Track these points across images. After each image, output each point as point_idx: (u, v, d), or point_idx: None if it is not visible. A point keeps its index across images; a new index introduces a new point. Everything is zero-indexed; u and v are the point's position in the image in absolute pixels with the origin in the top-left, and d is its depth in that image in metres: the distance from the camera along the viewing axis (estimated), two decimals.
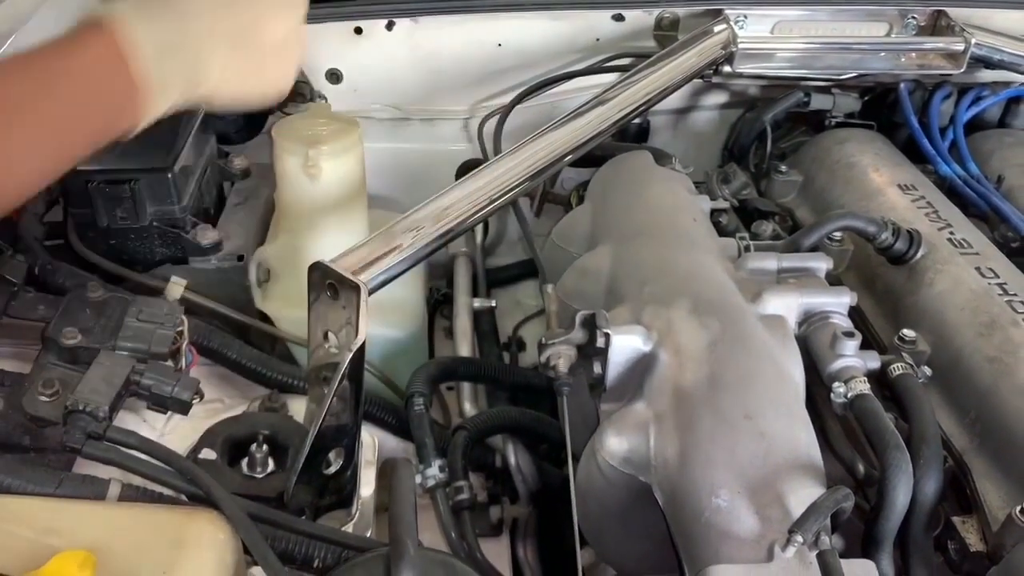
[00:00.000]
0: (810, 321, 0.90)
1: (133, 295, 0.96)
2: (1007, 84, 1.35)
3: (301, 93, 1.28)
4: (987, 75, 1.36)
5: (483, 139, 1.36)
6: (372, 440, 1.00)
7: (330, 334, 0.87)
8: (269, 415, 0.97)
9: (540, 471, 1.12)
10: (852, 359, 0.85)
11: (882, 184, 1.16)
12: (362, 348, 0.82)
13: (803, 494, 0.71)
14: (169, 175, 1.02)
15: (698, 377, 0.80)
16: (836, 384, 0.83)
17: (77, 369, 0.85)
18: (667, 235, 1.00)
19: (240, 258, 1.09)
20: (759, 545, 0.69)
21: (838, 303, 0.90)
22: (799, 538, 0.66)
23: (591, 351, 0.88)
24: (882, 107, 1.35)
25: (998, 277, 0.96)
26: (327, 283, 0.85)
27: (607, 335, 0.84)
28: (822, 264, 0.95)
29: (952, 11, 1.33)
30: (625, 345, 0.84)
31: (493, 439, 1.12)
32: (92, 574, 0.62)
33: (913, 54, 1.30)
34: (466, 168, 1.30)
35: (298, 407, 0.98)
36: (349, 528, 0.90)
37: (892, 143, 1.30)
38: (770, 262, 0.95)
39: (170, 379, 0.85)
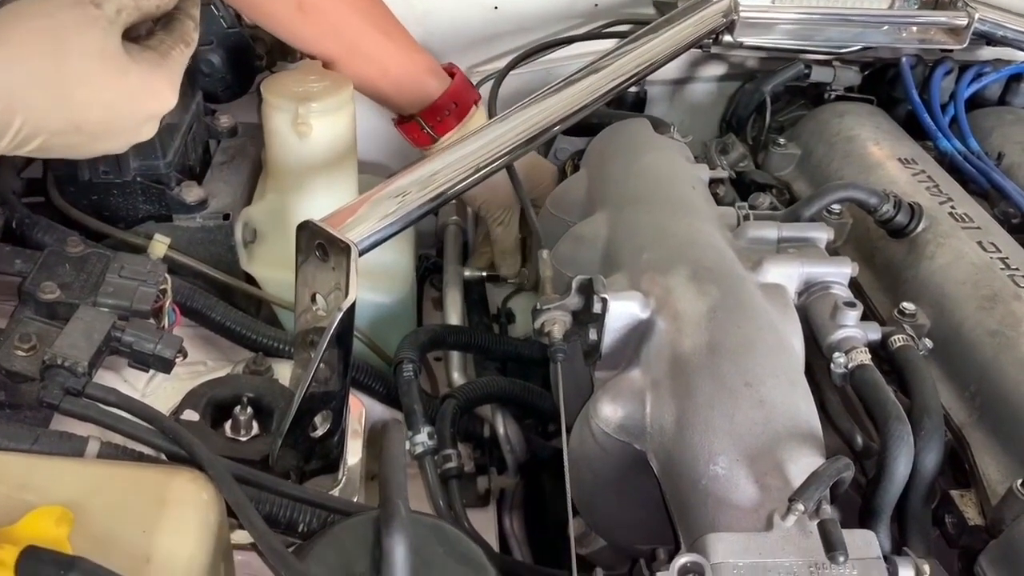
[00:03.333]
0: (810, 291, 0.88)
1: (115, 251, 0.93)
2: (1008, 62, 1.34)
3: (291, 51, 1.24)
4: (988, 52, 1.34)
5: None
6: (360, 406, 0.98)
7: (318, 297, 0.84)
8: (254, 378, 0.95)
9: (528, 442, 1.11)
10: (853, 330, 0.83)
11: (882, 158, 1.14)
12: (352, 309, 0.79)
13: (803, 463, 0.70)
14: None
15: (697, 344, 0.78)
16: (836, 354, 0.82)
17: (55, 324, 0.83)
18: (665, 202, 0.98)
19: (226, 216, 1.06)
20: (757, 514, 0.68)
21: (839, 273, 0.88)
22: (800, 507, 0.64)
23: (587, 317, 0.86)
24: (882, 82, 1.33)
25: (1000, 251, 0.94)
26: (316, 243, 0.82)
27: (604, 300, 0.82)
28: (823, 234, 0.93)
29: None
30: (622, 311, 0.82)
31: (481, 409, 1.10)
32: (69, 530, 0.60)
33: (915, 28, 1.28)
34: None
35: (284, 372, 0.96)
36: (335, 493, 0.88)
37: (892, 119, 1.28)
38: (770, 231, 0.93)
39: (152, 336, 0.82)
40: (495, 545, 1.04)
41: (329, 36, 1.09)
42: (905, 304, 0.91)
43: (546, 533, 1.15)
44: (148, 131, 0.79)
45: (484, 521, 1.06)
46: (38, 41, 0.70)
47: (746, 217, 0.97)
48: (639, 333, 0.83)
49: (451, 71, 1.18)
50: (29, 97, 0.70)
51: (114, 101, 0.75)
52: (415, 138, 1.16)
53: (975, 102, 1.32)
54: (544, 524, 1.14)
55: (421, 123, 1.14)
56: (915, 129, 1.25)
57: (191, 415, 0.86)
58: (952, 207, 1.02)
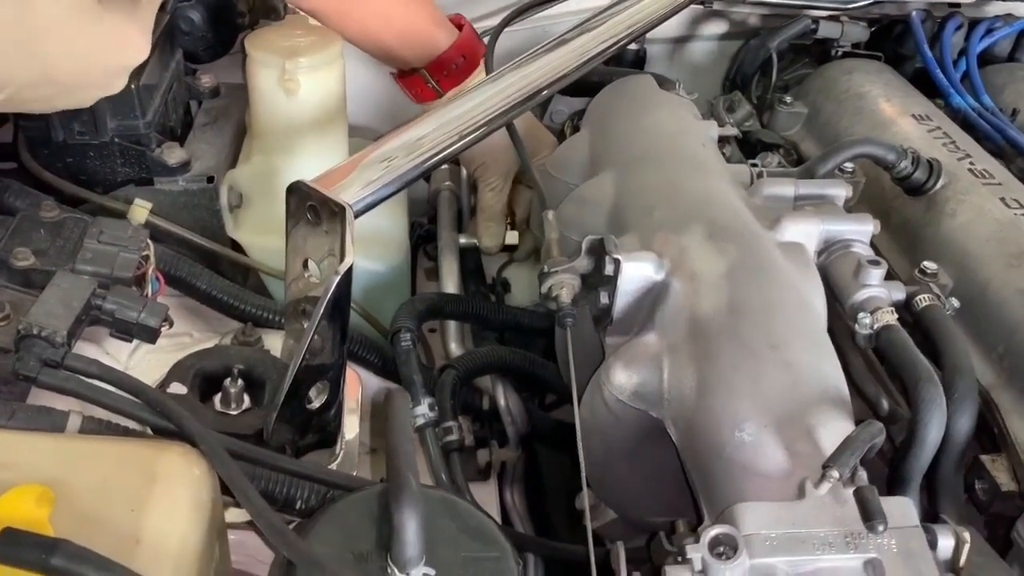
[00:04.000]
0: (831, 250, 0.84)
1: (93, 216, 0.87)
2: (1018, 18, 1.30)
3: (275, 9, 1.18)
4: (997, 7, 1.30)
5: None
6: (358, 377, 0.93)
7: (310, 263, 0.79)
8: (244, 349, 0.89)
9: (530, 414, 1.07)
10: (877, 289, 0.79)
11: (894, 114, 1.10)
12: (349, 273, 0.74)
13: (834, 428, 0.66)
14: (132, 86, 0.93)
15: (717, 305, 0.74)
16: (861, 315, 0.78)
17: (31, 293, 0.77)
18: (675, 160, 0.93)
19: (210, 179, 1.00)
20: (788, 482, 0.64)
21: (861, 231, 0.84)
22: (835, 473, 0.60)
23: (597, 280, 0.81)
24: (888, 39, 1.29)
25: (1023, 208, 0.91)
26: (307, 205, 0.77)
27: (617, 261, 0.78)
28: (841, 191, 0.89)
29: None
30: (636, 273, 0.78)
31: (480, 381, 1.06)
32: (50, 511, 0.54)
33: None
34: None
35: (274, 343, 0.91)
36: (333, 468, 0.84)
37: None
38: (787, 188, 0.89)
39: (136, 304, 0.77)
40: (497, 519, 1.01)
41: None
42: (927, 263, 0.88)
43: (548, 507, 1.11)
44: (119, 83, 0.74)
45: (485, 495, 1.03)
46: None
47: (759, 175, 0.93)
48: (653, 295, 0.79)
49: (459, 22, 1.12)
50: None
51: (86, 51, 0.70)
52: (418, 93, 1.11)
53: (984, 59, 1.28)
54: (546, 497, 1.11)
55: (426, 77, 1.08)
56: (925, 87, 1.21)
57: (178, 388, 0.81)
58: (971, 163, 0.98)
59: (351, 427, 0.89)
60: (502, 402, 1.05)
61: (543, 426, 1.09)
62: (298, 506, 0.72)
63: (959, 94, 1.16)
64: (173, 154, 0.98)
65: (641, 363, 0.76)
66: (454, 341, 1.15)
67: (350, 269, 0.74)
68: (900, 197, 0.99)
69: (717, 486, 0.67)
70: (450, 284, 1.20)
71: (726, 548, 0.59)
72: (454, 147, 0.89)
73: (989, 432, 0.79)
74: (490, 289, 1.28)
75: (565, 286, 0.82)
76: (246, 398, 0.82)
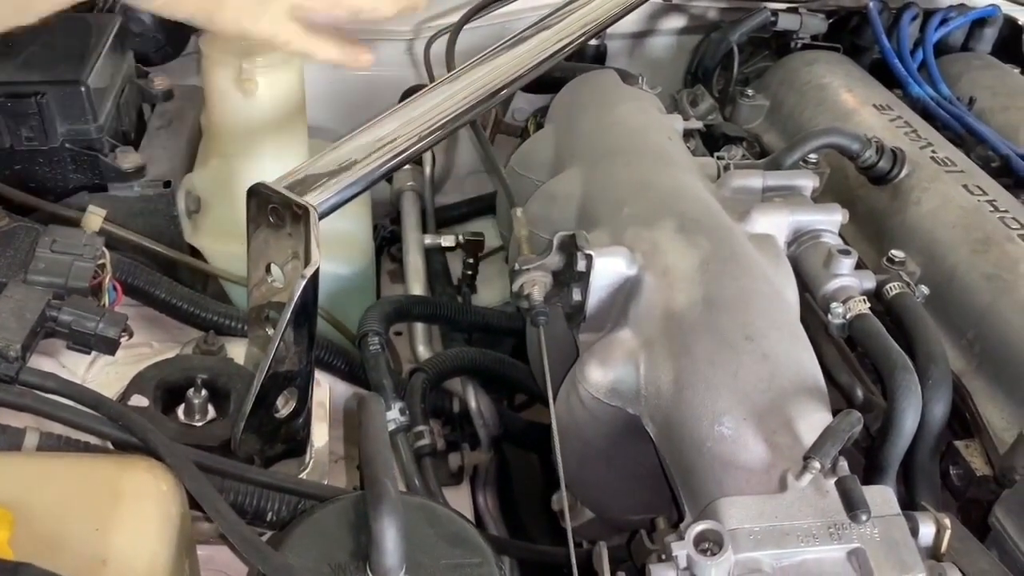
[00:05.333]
0: (800, 240, 0.84)
1: (45, 225, 0.84)
2: (970, 8, 1.32)
3: None
4: None
5: (430, 62, 1.26)
6: (325, 384, 0.91)
7: (273, 267, 0.77)
8: (207, 358, 0.87)
9: (501, 415, 1.06)
10: (848, 278, 0.80)
11: (856, 104, 1.11)
12: (315, 276, 0.72)
13: (812, 419, 0.66)
14: (82, 88, 0.90)
15: (692, 299, 0.73)
16: (834, 304, 0.78)
17: None
18: (643, 154, 0.93)
19: (167, 184, 0.97)
20: (769, 475, 0.63)
21: (830, 221, 0.84)
22: (816, 464, 0.60)
23: (569, 276, 0.80)
24: (846, 30, 1.30)
25: (986, 194, 0.92)
26: (270, 208, 0.75)
27: (589, 257, 0.77)
28: (808, 182, 0.89)
29: None
30: (608, 268, 0.77)
31: (450, 383, 1.05)
32: (10, 533, 0.52)
33: None
34: (411, 94, 1.20)
35: (237, 351, 0.89)
36: (303, 478, 0.81)
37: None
38: (755, 180, 0.88)
39: (93, 314, 0.74)
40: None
41: None
42: (894, 252, 0.88)
43: (521, 509, 1.10)
44: None
45: (458, 499, 1.01)
46: None
47: (726, 167, 0.93)
48: (626, 291, 0.78)
49: None
50: None
51: None
52: None
53: (939, 49, 1.29)
54: (519, 499, 1.10)
55: None
56: (883, 77, 1.22)
57: (140, 400, 0.78)
58: (933, 151, 0.99)
59: (320, 435, 0.87)
60: (473, 404, 1.04)
61: (514, 427, 1.08)
62: (269, 518, 0.70)
63: (917, 84, 1.17)
64: (127, 159, 0.95)
65: (616, 359, 0.75)
66: (422, 344, 1.13)
67: (316, 272, 0.72)
68: (865, 187, 0.99)
69: (698, 481, 0.66)
70: (417, 286, 1.18)
71: (711, 544, 0.58)
72: (418, 146, 0.88)
73: (961, 418, 0.80)
74: (456, 290, 1.27)
75: (536, 284, 0.81)
76: (210, 408, 0.80)
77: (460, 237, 1.22)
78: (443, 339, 1.16)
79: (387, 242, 1.32)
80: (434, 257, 1.24)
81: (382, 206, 1.35)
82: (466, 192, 1.46)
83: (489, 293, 1.28)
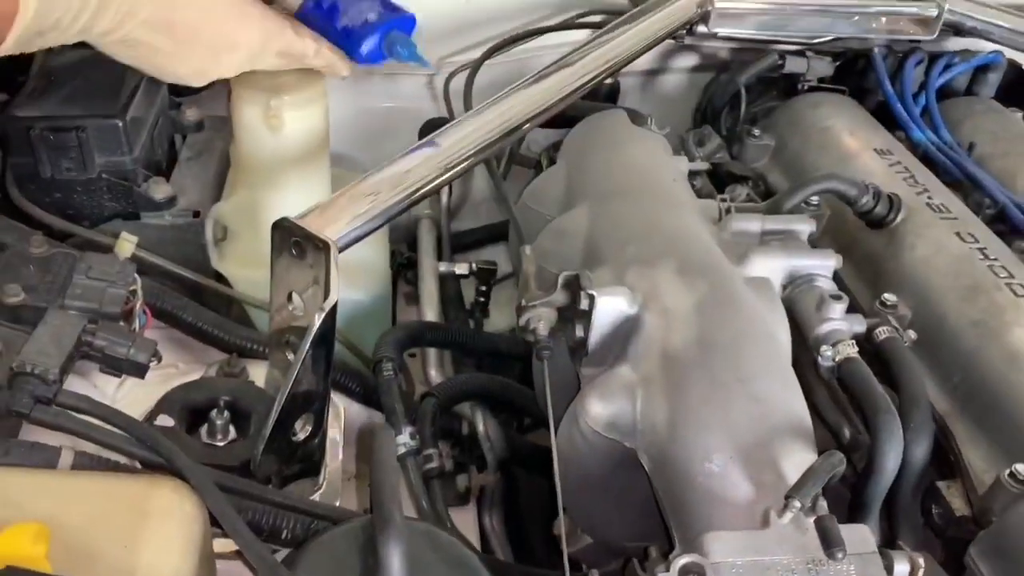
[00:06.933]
0: (795, 284, 0.88)
1: (81, 251, 0.89)
2: (975, 53, 1.35)
3: None
4: (955, 43, 1.35)
5: (449, 97, 1.31)
6: (340, 407, 0.96)
7: (294, 295, 0.82)
8: (229, 380, 0.92)
9: (508, 439, 1.10)
10: (839, 322, 0.83)
11: (857, 148, 1.14)
12: (334, 309, 0.77)
13: (797, 459, 0.70)
14: (120, 123, 0.95)
15: (687, 339, 0.77)
16: (824, 348, 0.82)
17: (21, 329, 0.79)
18: (648, 195, 0.97)
19: (196, 214, 1.02)
20: (753, 511, 0.67)
21: (824, 266, 0.88)
22: (797, 503, 0.64)
23: (573, 313, 0.85)
24: (853, 72, 1.34)
25: (978, 242, 0.95)
26: (292, 241, 0.80)
27: (592, 296, 0.81)
28: (805, 227, 0.93)
29: None
30: (610, 307, 0.81)
31: (460, 406, 1.09)
32: (47, 548, 0.57)
33: (885, 19, 1.29)
34: (430, 127, 1.25)
35: (258, 372, 0.94)
36: (316, 498, 0.86)
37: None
38: (754, 224, 0.92)
39: (125, 340, 0.79)
40: (476, 543, 1.03)
41: None
42: (887, 295, 0.92)
43: (526, 531, 1.14)
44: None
45: (464, 519, 1.05)
46: None
47: (728, 210, 0.97)
48: (627, 329, 0.82)
49: None
50: None
51: None
52: None
53: (944, 92, 1.33)
54: (524, 522, 1.13)
55: None
56: (887, 119, 1.26)
57: (166, 420, 0.83)
58: (929, 197, 1.02)
59: (333, 455, 0.92)
60: (480, 428, 1.08)
61: (522, 450, 1.12)
62: (284, 536, 0.75)
63: (919, 128, 1.20)
64: (159, 189, 1.00)
65: (615, 395, 0.78)
66: (434, 367, 1.18)
67: (335, 306, 0.77)
68: (863, 230, 1.03)
69: (687, 514, 0.70)
70: (430, 312, 1.23)
71: None
72: (437, 182, 0.93)
73: (946, 458, 0.83)
74: (469, 314, 1.31)
75: (542, 319, 0.86)
76: (232, 429, 0.85)
77: (473, 265, 1.26)
78: (454, 363, 1.20)
79: (404, 268, 1.37)
80: (448, 284, 1.29)
81: (399, 231, 1.40)
82: (481, 218, 1.50)
83: (501, 317, 1.32)
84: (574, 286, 0.84)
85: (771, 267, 0.87)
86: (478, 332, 1.22)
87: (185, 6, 0.81)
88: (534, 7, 1.32)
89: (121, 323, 0.85)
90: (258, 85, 0.99)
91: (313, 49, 0.93)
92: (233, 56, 0.88)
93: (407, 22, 0.99)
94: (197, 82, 0.88)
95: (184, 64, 0.85)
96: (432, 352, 1.18)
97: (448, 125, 0.98)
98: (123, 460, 0.72)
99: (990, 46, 1.34)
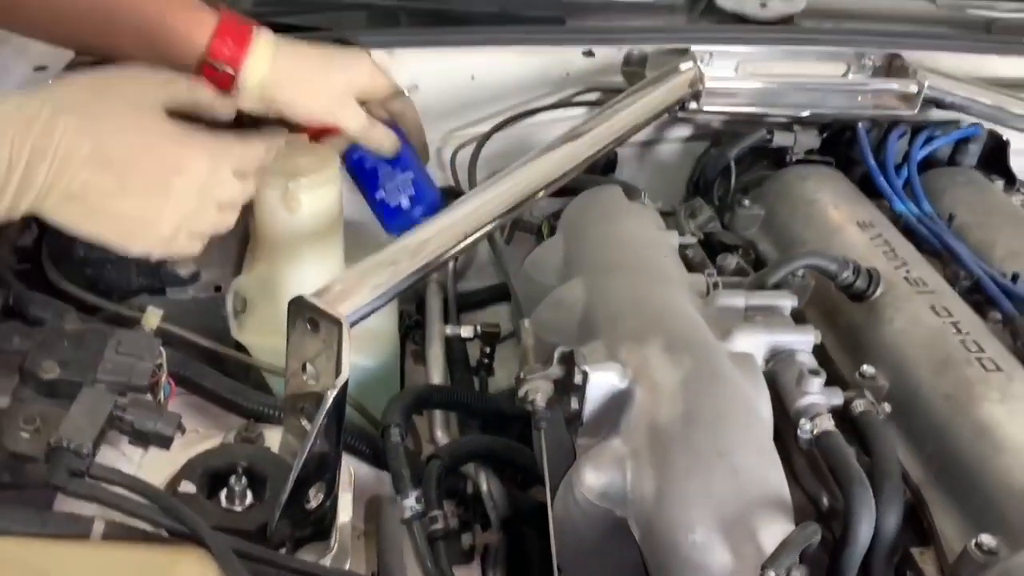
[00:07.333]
0: (777, 358, 0.94)
1: (111, 326, 0.96)
2: (957, 123, 1.42)
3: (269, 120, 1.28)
4: (938, 114, 1.42)
5: (455, 168, 1.38)
6: (351, 470, 1.01)
7: (308, 366, 0.88)
8: (247, 446, 0.98)
9: (511, 497, 1.15)
10: (817, 396, 0.89)
11: (841, 221, 1.21)
12: (344, 386, 0.83)
13: (774, 530, 0.75)
14: None
15: (673, 414, 0.83)
16: (803, 421, 0.87)
17: (56, 403, 0.85)
18: (640, 270, 1.03)
19: (218, 288, 1.09)
20: None
21: (804, 341, 0.94)
22: (772, 574, 0.69)
23: (568, 386, 0.90)
24: (839, 143, 1.41)
25: (951, 316, 1.01)
26: (307, 317, 0.86)
27: (585, 372, 0.87)
28: (787, 302, 0.99)
29: (906, 54, 1.39)
30: (602, 382, 0.87)
31: (464, 466, 1.14)
32: None
33: (869, 95, 1.36)
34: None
35: (273, 437, 0.99)
36: (328, 561, 0.91)
37: (849, 179, 1.35)
38: (738, 300, 0.99)
39: (152, 414, 0.85)
40: None
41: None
42: (866, 367, 0.97)
43: None
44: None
45: None
46: None
47: (715, 285, 1.03)
48: (619, 402, 0.88)
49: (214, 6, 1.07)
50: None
51: None
52: (218, 83, 1.03)
53: (928, 162, 1.39)
54: None
55: (212, 64, 1.02)
56: (871, 188, 1.32)
57: (188, 486, 0.89)
58: (907, 271, 1.08)
59: (344, 514, 0.97)
60: (484, 487, 1.13)
61: (524, 509, 1.17)
62: None
63: (901, 200, 1.26)
64: (185, 266, 1.07)
65: (608, 466, 0.84)
66: (440, 428, 1.23)
67: (346, 382, 0.83)
68: (846, 301, 1.09)
69: None
70: (437, 374, 1.28)
71: None
72: (444, 256, 1.00)
73: (920, 526, 0.88)
74: (474, 373, 1.37)
75: (540, 391, 0.91)
76: (249, 494, 0.91)
77: (478, 328, 1.32)
78: (460, 423, 1.26)
79: (411, 330, 1.43)
80: (454, 345, 1.35)
81: (408, 292, 1.46)
82: (487, 278, 1.57)
83: (505, 375, 1.38)
84: (568, 361, 0.89)
85: (754, 342, 0.93)
86: (482, 394, 1.27)
87: (120, 141, 0.80)
88: (534, 85, 1.40)
89: (147, 395, 0.91)
90: (276, 168, 1.07)
91: (264, 150, 0.93)
92: (184, 181, 0.85)
93: (434, 206, 1.10)
94: (152, 230, 0.86)
95: (133, 200, 0.83)
96: (438, 413, 1.24)
97: (464, 196, 1.05)
98: (150, 528, 0.78)
99: (971, 117, 1.41)
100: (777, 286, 1.05)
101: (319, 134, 1.15)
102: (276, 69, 1.05)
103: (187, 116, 0.87)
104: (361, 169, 1.21)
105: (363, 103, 1.13)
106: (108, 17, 1.00)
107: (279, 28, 1.31)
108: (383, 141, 1.15)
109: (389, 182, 1.18)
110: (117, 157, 0.80)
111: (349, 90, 1.11)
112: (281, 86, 1.05)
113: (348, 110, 1.11)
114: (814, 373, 0.89)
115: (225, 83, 1.05)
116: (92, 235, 0.84)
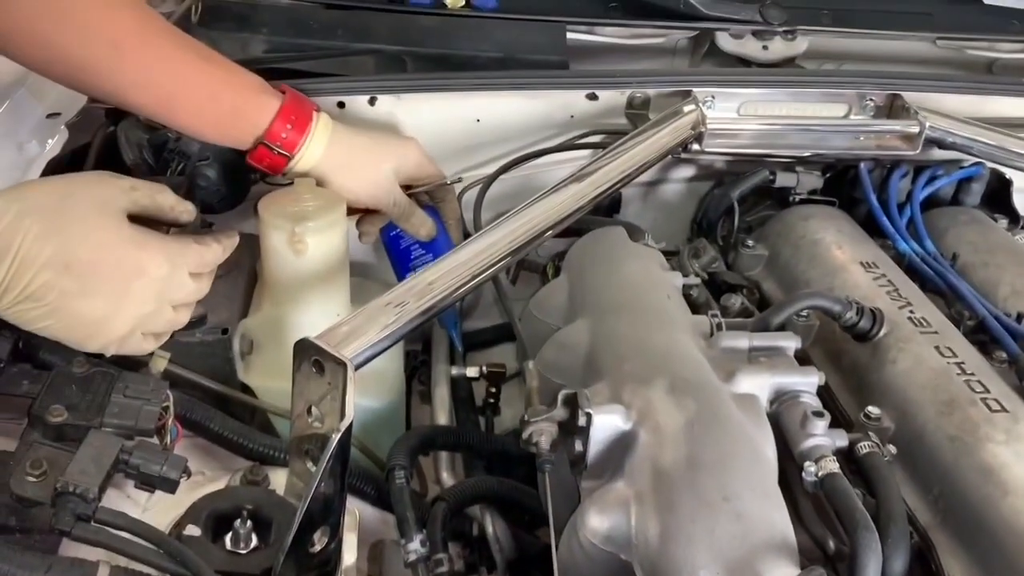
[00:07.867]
0: (781, 400, 0.94)
1: (118, 369, 0.96)
2: (959, 162, 1.43)
3: None
4: (940, 153, 1.43)
5: (461, 209, 1.39)
6: (355, 513, 1.01)
7: (314, 409, 0.89)
8: (252, 489, 0.98)
9: (517, 539, 1.14)
10: (822, 438, 0.89)
11: (845, 261, 1.21)
12: (349, 429, 0.84)
13: (779, 574, 0.74)
14: None
15: (677, 458, 0.83)
16: (807, 463, 0.87)
17: (64, 447, 0.86)
18: (643, 312, 1.04)
19: (224, 331, 1.10)
20: None
21: (807, 382, 0.94)
22: None
23: (572, 428, 0.91)
24: (843, 183, 1.41)
25: (956, 356, 1.01)
26: (312, 359, 0.87)
27: (588, 415, 0.87)
28: (791, 343, 0.99)
29: (907, 95, 1.40)
30: (606, 424, 0.87)
31: (470, 509, 1.14)
32: None
33: (871, 135, 1.37)
34: None
35: (278, 478, 1.00)
36: None
37: (853, 219, 1.36)
38: (742, 341, 0.99)
39: (158, 459, 0.86)
40: None
41: (155, 68, 1.03)
42: (871, 408, 0.97)
43: None
44: None
45: None
46: None
47: (719, 326, 1.03)
48: (623, 444, 0.87)
49: (280, 89, 1.14)
50: None
51: None
52: (270, 164, 1.12)
53: (931, 201, 1.40)
54: None
55: (268, 146, 1.10)
56: (875, 228, 1.33)
57: (193, 530, 0.89)
58: (911, 311, 1.08)
59: (348, 559, 0.97)
60: (490, 530, 1.13)
61: (529, 552, 1.16)
62: None
63: (904, 239, 1.27)
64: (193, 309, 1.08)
65: (612, 509, 0.83)
66: (445, 470, 1.23)
67: (350, 425, 0.84)
68: (850, 341, 1.09)
69: None
70: (442, 415, 1.29)
71: None
72: (450, 299, 1.00)
73: (928, 568, 0.87)
74: (480, 412, 1.37)
75: (544, 434, 0.92)
76: (254, 537, 0.91)
77: (484, 368, 1.33)
78: (465, 463, 1.26)
79: (417, 370, 1.44)
80: (460, 385, 1.35)
81: (414, 331, 1.47)
82: (493, 317, 1.57)
83: (512, 414, 1.38)
84: (572, 403, 0.90)
85: (758, 384, 0.93)
86: (487, 435, 1.27)
87: (82, 246, 0.82)
88: (538, 127, 1.42)
89: (154, 439, 0.92)
90: (283, 212, 1.08)
91: (222, 251, 0.96)
92: (143, 284, 0.87)
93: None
94: (109, 330, 0.88)
95: (93, 302, 0.85)
96: (444, 454, 1.24)
97: (470, 238, 1.07)
98: (155, 573, 0.78)
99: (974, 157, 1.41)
100: (781, 327, 1.05)
101: (363, 209, 1.21)
102: (328, 156, 1.12)
103: (148, 219, 0.91)
104: (396, 247, 1.30)
105: (407, 188, 1.21)
106: (172, 93, 1.06)
107: (289, 74, 1.35)
108: (420, 227, 1.24)
109: (421, 264, 1.24)
110: (78, 261, 0.82)
111: (395, 177, 1.19)
112: (332, 172, 1.13)
113: (392, 197, 1.19)
114: (818, 415, 0.89)
115: (278, 165, 1.12)
116: (48, 333, 0.86)
